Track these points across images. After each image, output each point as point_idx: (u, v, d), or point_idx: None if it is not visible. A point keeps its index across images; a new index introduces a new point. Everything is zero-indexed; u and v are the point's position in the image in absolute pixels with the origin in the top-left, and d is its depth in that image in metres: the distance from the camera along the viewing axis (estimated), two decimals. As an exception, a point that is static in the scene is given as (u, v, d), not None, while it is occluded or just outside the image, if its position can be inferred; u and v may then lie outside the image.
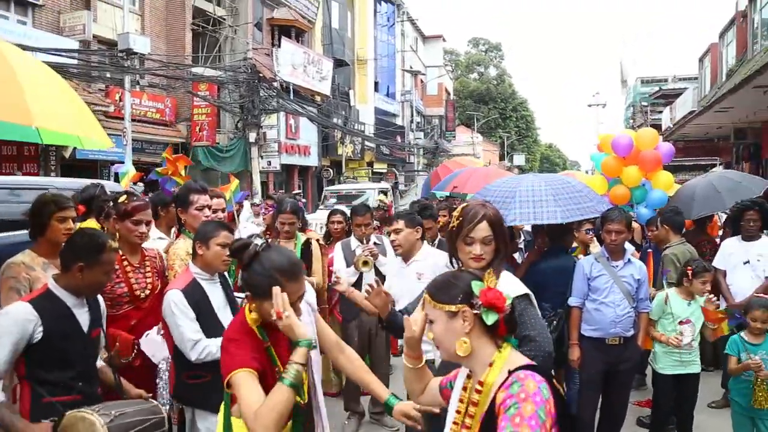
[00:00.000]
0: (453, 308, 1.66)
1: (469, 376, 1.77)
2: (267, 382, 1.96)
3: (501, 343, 1.68)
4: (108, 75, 13.99)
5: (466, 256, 2.38)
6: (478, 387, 1.65)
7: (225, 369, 1.98)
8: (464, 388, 1.76)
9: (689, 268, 4.03)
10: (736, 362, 3.62)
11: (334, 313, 4.95)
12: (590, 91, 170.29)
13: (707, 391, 4.87)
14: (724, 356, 3.98)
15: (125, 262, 3.20)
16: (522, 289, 2.34)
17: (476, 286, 1.67)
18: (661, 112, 30.68)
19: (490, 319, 1.63)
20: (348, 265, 4.45)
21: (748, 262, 4.78)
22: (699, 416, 4.34)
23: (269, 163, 18.97)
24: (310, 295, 2.23)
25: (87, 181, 4.53)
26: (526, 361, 1.65)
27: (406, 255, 3.66)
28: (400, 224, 3.63)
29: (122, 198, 3.31)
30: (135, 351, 3.01)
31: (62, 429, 2.33)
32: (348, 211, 5.17)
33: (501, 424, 1.48)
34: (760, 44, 16.00)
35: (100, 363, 2.76)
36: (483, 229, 2.34)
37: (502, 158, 53.88)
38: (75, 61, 12.82)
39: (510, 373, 1.57)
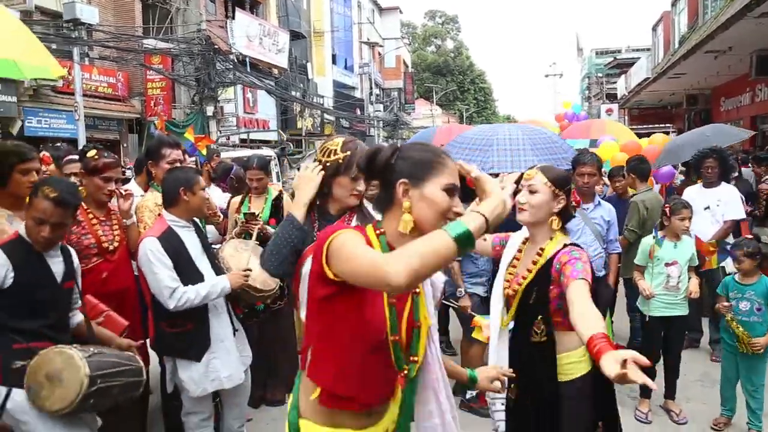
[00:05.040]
0: (559, 193, 2.29)
1: (523, 242, 2.41)
2: (367, 320, 1.48)
3: (563, 226, 2.35)
4: (54, 47, 13.32)
5: (346, 191, 2.10)
6: (539, 251, 2.29)
7: (318, 242, 1.46)
8: (519, 251, 2.41)
9: (667, 206, 3.96)
10: (723, 301, 3.73)
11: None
12: (547, 62, 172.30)
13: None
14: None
15: (90, 215, 3.11)
16: None
17: (571, 188, 2.37)
18: (615, 82, 31.26)
19: (572, 212, 2.37)
20: None
21: (708, 207, 4.93)
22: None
23: (228, 138, 18.56)
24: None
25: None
26: (574, 240, 2.36)
27: None
28: None
29: (91, 153, 3.19)
30: (124, 334, 2.81)
31: (37, 365, 2.26)
32: None
33: (567, 270, 2.11)
34: (710, 11, 16.39)
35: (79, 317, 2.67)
36: None
37: (461, 131, 54.14)
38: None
39: (566, 245, 2.25)
